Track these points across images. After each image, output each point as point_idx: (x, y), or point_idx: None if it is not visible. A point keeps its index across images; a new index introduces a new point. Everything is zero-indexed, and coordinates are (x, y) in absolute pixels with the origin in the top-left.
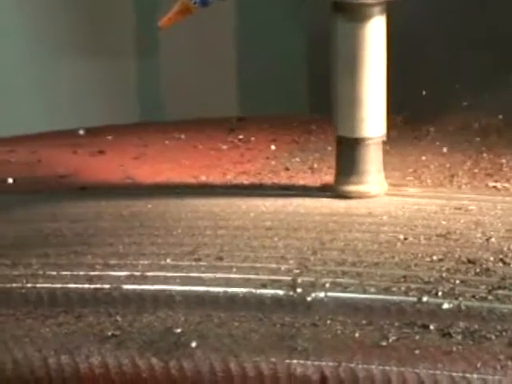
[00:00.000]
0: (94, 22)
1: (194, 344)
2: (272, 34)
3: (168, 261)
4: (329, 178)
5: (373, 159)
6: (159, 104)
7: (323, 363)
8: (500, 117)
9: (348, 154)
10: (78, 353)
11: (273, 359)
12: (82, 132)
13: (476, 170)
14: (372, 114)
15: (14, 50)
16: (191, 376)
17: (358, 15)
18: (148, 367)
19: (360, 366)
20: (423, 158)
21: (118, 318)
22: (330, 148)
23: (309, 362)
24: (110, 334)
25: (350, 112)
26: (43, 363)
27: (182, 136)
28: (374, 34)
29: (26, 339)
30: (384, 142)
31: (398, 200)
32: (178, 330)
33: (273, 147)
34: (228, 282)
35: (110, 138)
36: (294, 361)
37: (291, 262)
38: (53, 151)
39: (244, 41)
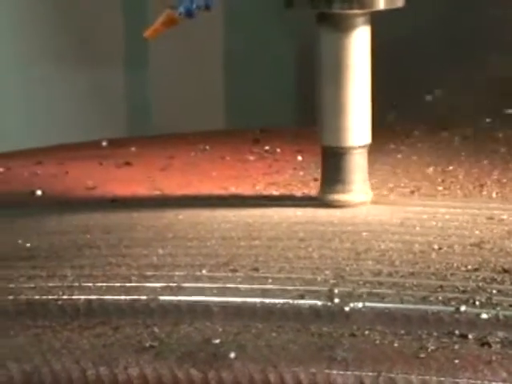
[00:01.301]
0: (82, 33)
1: (232, 355)
2: (261, 45)
3: (203, 272)
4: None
5: (358, 168)
6: (147, 115)
7: (363, 373)
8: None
9: (333, 163)
10: (116, 364)
11: (312, 369)
12: (105, 143)
13: (504, 180)
14: (356, 122)
15: None
16: None
17: (343, 25)
18: (187, 378)
19: (400, 376)
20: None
21: (156, 329)
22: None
23: (349, 372)
24: (147, 345)
25: (335, 121)
26: (82, 374)
27: (207, 147)
28: (359, 44)
29: (63, 351)
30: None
31: (426, 210)
32: (217, 341)
33: (299, 158)
34: (265, 293)
35: (133, 149)
36: (334, 371)
37: (327, 272)
38: (79, 163)
39: (232, 52)
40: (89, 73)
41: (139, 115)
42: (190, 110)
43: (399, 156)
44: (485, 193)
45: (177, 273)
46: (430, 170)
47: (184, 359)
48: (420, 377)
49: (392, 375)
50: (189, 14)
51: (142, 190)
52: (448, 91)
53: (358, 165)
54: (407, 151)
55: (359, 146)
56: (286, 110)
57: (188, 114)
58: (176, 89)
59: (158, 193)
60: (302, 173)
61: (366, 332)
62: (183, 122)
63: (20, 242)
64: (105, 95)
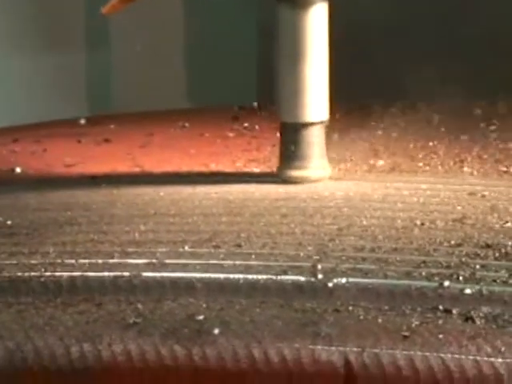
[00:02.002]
0: (43, 14)
1: (216, 331)
2: (222, 25)
3: (186, 248)
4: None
5: (316, 144)
6: (108, 95)
7: (347, 349)
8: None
9: (291, 139)
10: (100, 341)
11: (296, 345)
12: (83, 121)
13: (485, 156)
14: (314, 99)
15: None
16: (214, 362)
17: (301, 3)
18: (171, 354)
19: (384, 351)
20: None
21: (139, 305)
22: (336, 135)
23: (333, 348)
24: (131, 321)
25: (293, 98)
26: (65, 351)
27: (186, 124)
28: (316, 21)
29: (46, 327)
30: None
31: (407, 186)
32: (201, 317)
33: (278, 135)
34: (248, 269)
35: (112, 126)
36: (318, 346)
37: (310, 248)
38: (57, 140)
39: (193, 31)
40: (50, 53)
41: (100, 95)
42: (152, 90)
43: (379, 132)
44: (466, 169)
45: (159, 249)
46: (411, 146)
47: (168, 335)
48: (405, 352)
49: (376, 350)
50: None
51: (121, 167)
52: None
53: (315, 141)
54: (387, 128)
55: (317, 122)
56: (248, 88)
57: (150, 93)
58: (137, 68)
59: (138, 170)
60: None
61: (350, 308)
62: (145, 101)
63: (0, 219)
64: (66, 75)
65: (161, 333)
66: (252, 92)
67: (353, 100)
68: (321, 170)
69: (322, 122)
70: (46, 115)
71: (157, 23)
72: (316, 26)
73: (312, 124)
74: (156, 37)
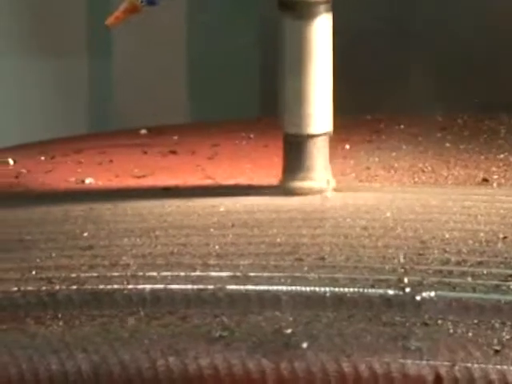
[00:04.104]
0: (44, 21)
1: (304, 345)
2: (223, 34)
3: (269, 261)
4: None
5: (319, 155)
6: (110, 106)
7: (438, 363)
8: None
9: (294, 150)
10: (186, 354)
11: (386, 359)
12: (144, 131)
13: None
14: (318, 110)
15: None
16: (303, 377)
17: (304, 13)
18: (258, 368)
19: (476, 366)
20: None
21: (224, 318)
22: (404, 147)
23: (423, 362)
24: (217, 335)
25: (296, 109)
26: (151, 365)
27: (251, 135)
28: (320, 32)
29: (132, 341)
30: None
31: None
32: (288, 331)
33: (347, 146)
34: (334, 282)
35: (175, 138)
36: (409, 360)
37: (394, 261)
38: (121, 151)
39: (195, 42)
40: (51, 62)
41: (102, 105)
42: (154, 102)
43: (447, 145)
44: None
45: (242, 262)
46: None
47: (255, 349)
48: (497, 366)
49: (468, 365)
50: (151, 2)
51: (192, 178)
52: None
53: (319, 152)
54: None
55: (320, 134)
56: (251, 100)
57: (152, 106)
58: (138, 80)
59: (209, 181)
60: (352, 161)
61: (439, 321)
62: (147, 113)
63: (77, 231)
64: (68, 84)
65: (248, 346)
66: (255, 104)
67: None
68: (325, 181)
69: (325, 134)
70: (48, 125)
71: (158, 35)
72: (320, 36)
73: (316, 135)
74: (157, 49)
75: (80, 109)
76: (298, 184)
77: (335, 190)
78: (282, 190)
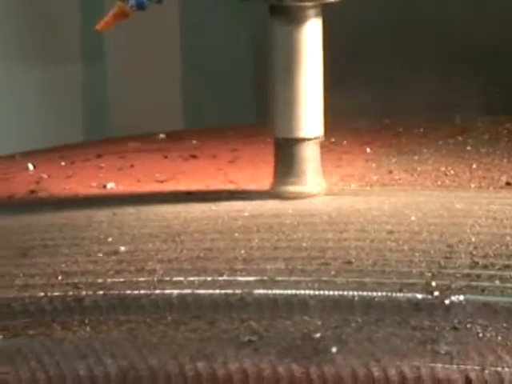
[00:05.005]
0: (39, 27)
1: (334, 349)
2: (217, 36)
3: (296, 265)
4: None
5: (310, 159)
6: (103, 113)
7: (468, 367)
8: None
9: (285, 154)
10: (214, 359)
11: (416, 363)
12: (162, 136)
13: None
14: (309, 114)
15: None
16: (332, 381)
17: (294, 18)
18: (288, 373)
19: (506, 370)
20: None
21: (252, 323)
22: (425, 150)
23: (453, 366)
24: (246, 339)
25: (287, 113)
26: (180, 370)
27: (269, 139)
28: (310, 37)
29: (160, 346)
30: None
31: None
32: (317, 335)
33: (368, 150)
34: (362, 286)
35: (195, 142)
36: (439, 364)
37: (422, 265)
38: (142, 156)
39: (188, 45)
40: (46, 67)
41: (97, 110)
42: (148, 108)
43: (468, 148)
44: None
45: (268, 266)
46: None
47: (284, 354)
48: None
49: (498, 369)
50: (140, 6)
51: (215, 182)
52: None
53: (310, 156)
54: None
55: (311, 138)
56: (246, 106)
57: (146, 112)
58: (133, 86)
59: (232, 186)
60: (374, 165)
61: (468, 325)
62: (141, 119)
63: (101, 236)
64: (63, 90)
65: (277, 351)
66: (250, 111)
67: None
68: (316, 185)
69: (316, 138)
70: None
71: (152, 39)
72: (310, 41)
73: (307, 140)
74: (151, 54)
75: (75, 113)
76: (288, 188)
77: (353, 193)
78: (271, 194)
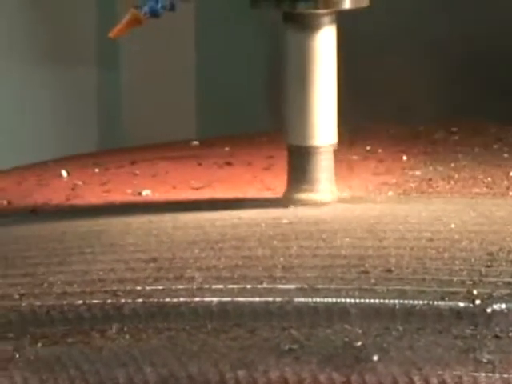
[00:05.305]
0: (54, 32)
1: (375, 358)
2: (233, 45)
3: (335, 273)
4: (476, 188)
5: (324, 167)
6: (119, 116)
7: (511, 375)
8: None
9: (299, 162)
10: (255, 367)
11: (458, 372)
12: (196, 143)
13: None
14: (322, 122)
15: None
16: None
17: (308, 25)
18: (329, 382)
19: None
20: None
21: (293, 331)
22: (462, 158)
23: (496, 375)
24: (287, 348)
25: (301, 121)
26: (220, 379)
27: None
28: (324, 44)
29: (200, 354)
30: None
31: None
32: (358, 344)
33: (404, 158)
34: (402, 295)
35: (227, 149)
36: (482, 374)
37: (463, 273)
38: (176, 163)
39: (204, 54)
40: (61, 72)
41: (111, 116)
42: (162, 117)
43: (505, 155)
44: None
45: (308, 274)
46: None
47: (326, 362)
48: None
49: None
50: (154, 13)
51: (252, 190)
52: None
53: (324, 164)
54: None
55: (325, 146)
56: (260, 113)
57: (159, 121)
58: (147, 93)
59: (269, 193)
60: (411, 172)
61: (511, 334)
62: (155, 128)
63: (139, 244)
64: (77, 95)
65: (318, 359)
66: (265, 119)
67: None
68: (329, 193)
69: (330, 146)
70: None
71: (167, 47)
72: (324, 48)
73: (320, 148)
74: (166, 62)
75: (89, 119)
76: (301, 196)
77: (391, 201)
78: (283, 202)
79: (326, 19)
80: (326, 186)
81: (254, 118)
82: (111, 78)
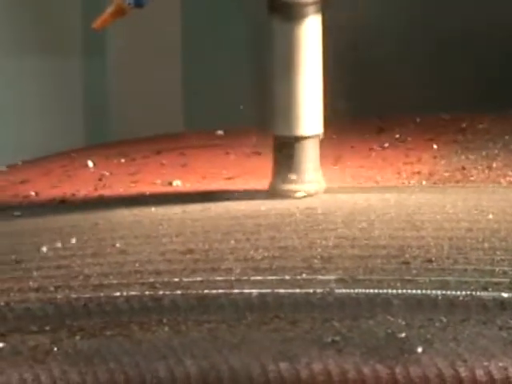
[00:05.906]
0: (39, 20)
1: (419, 349)
2: (220, 33)
3: (375, 263)
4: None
5: (310, 157)
6: (105, 107)
7: None
8: None
9: (285, 152)
10: (298, 360)
11: (504, 364)
12: (220, 132)
13: None
14: (308, 112)
15: None
16: (418, 382)
17: (293, 15)
18: (373, 374)
19: None
20: None
21: (335, 323)
22: (493, 146)
23: None
24: (329, 340)
25: (287, 111)
26: (262, 371)
27: (334, 136)
28: (309, 33)
29: (241, 346)
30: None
31: None
32: (402, 335)
33: (435, 146)
34: (445, 285)
35: (254, 139)
36: None
37: (504, 263)
38: (202, 153)
39: (190, 45)
40: (47, 62)
41: (97, 106)
42: (149, 108)
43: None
44: None
45: (347, 264)
46: None
47: (369, 354)
48: None
49: None
50: (138, 3)
51: None
52: None
53: (309, 154)
54: None
55: (311, 136)
56: (247, 106)
57: (147, 111)
58: (133, 83)
59: None
60: (443, 161)
61: None
62: (143, 118)
63: (173, 234)
64: (63, 85)
65: (362, 352)
66: (252, 112)
67: None
68: (316, 183)
69: (316, 136)
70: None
71: (153, 33)
72: (309, 38)
73: (306, 138)
74: (152, 53)
75: (75, 110)
76: (288, 187)
77: (424, 190)
78: (269, 192)
79: (311, 9)
80: (313, 177)
81: (242, 109)
82: (97, 66)
